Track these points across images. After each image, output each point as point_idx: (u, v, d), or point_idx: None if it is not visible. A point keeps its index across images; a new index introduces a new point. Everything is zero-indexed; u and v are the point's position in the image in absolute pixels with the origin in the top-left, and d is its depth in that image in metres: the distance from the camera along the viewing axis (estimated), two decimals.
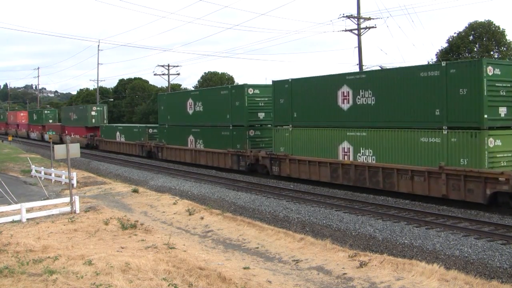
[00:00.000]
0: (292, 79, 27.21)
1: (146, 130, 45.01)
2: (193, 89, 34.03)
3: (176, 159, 39.07)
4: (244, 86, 31.20)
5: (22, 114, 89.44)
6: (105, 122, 58.34)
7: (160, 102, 42.46)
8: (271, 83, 29.23)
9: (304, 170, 26.42)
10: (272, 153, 28.55)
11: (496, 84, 19.02)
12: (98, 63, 72.50)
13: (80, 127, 59.66)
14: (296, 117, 26.87)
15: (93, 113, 57.79)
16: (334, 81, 24.80)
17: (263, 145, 31.22)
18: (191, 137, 36.55)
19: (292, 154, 27.05)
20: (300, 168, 26.67)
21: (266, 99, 31.15)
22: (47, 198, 24.07)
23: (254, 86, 31.33)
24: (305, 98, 26.34)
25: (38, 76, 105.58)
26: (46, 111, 77.62)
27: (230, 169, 32.56)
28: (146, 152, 44.49)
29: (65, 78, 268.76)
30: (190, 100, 36.57)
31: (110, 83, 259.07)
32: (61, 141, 63.16)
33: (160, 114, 41.89)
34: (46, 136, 67.09)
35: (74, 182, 29.48)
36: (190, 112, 36.68)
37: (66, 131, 64.36)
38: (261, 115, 31.58)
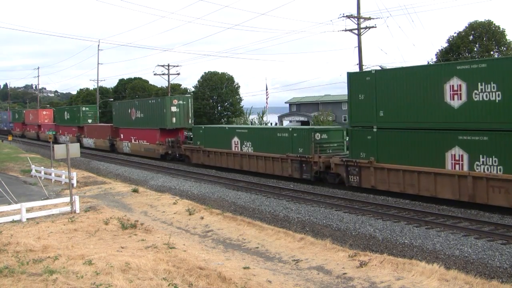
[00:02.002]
0: None
1: (311, 135, 27.20)
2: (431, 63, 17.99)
3: (408, 191, 21.89)
4: None
5: (45, 112, 75.48)
6: (190, 122, 41.51)
7: (355, 85, 24.46)
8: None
9: None
10: None
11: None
12: (98, 63, 72.46)
13: (150, 130, 42.58)
14: None
15: (173, 108, 40.18)
16: None
17: None
18: (455, 151, 20.15)
19: None
20: None
21: None
22: (47, 198, 24.05)
23: None
24: None
25: (38, 76, 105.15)
26: (83, 108, 60.49)
27: None
28: (312, 174, 27.07)
29: (65, 78, 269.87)
30: (455, 81, 19.98)
31: (110, 83, 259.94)
32: (113, 149, 49.70)
33: (354, 107, 24.50)
34: (88, 141, 53.54)
35: (74, 182, 29.47)
36: (455, 103, 20.12)
37: (122, 135, 47.43)
38: None
